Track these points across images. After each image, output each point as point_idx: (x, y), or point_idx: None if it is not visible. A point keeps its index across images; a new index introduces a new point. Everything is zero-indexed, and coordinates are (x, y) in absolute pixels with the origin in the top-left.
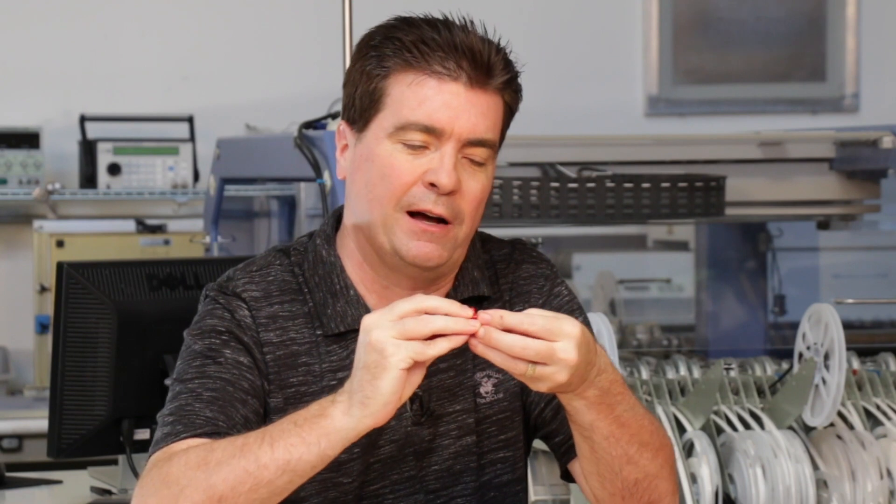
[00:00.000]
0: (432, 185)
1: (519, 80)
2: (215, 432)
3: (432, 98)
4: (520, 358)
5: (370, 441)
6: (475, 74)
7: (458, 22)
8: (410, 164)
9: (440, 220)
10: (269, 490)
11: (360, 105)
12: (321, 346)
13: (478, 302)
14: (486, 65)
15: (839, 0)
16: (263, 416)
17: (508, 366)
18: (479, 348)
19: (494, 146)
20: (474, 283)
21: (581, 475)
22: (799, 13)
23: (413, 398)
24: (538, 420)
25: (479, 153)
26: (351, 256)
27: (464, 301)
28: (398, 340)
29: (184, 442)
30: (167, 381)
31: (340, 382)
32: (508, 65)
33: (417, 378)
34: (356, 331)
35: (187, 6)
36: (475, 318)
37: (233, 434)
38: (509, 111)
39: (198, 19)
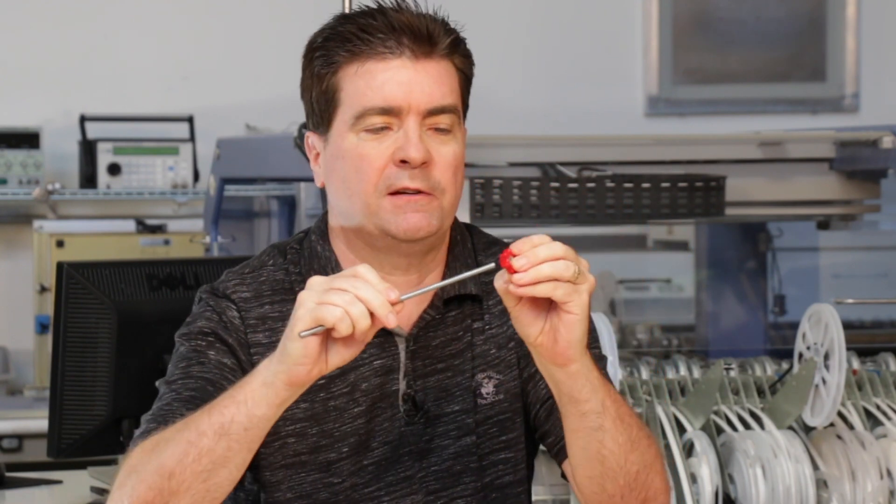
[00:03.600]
0: (403, 161)
1: (466, 45)
2: None
3: (382, 79)
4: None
5: (360, 441)
6: (417, 45)
7: (391, 5)
8: (378, 149)
9: (420, 193)
10: (211, 459)
11: (319, 108)
12: None
13: (468, 300)
14: (427, 34)
15: (839, 0)
16: None
17: (559, 272)
18: (524, 279)
19: (457, 111)
20: (462, 283)
21: (575, 479)
22: (799, 13)
23: (405, 398)
24: (534, 421)
25: (443, 120)
26: (343, 255)
27: (450, 300)
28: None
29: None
30: (157, 384)
31: (329, 381)
32: (449, 29)
33: (348, 351)
34: None
35: (187, 6)
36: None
37: None
38: (464, 77)
39: (198, 19)
